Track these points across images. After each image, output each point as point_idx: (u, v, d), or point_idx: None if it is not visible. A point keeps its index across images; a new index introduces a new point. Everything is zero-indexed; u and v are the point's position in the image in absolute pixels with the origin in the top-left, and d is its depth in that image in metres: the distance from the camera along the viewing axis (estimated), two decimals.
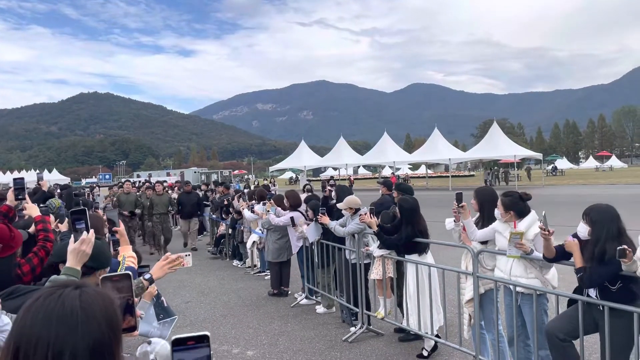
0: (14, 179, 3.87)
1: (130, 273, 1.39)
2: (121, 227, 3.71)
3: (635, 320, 3.45)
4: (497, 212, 4.54)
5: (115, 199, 13.85)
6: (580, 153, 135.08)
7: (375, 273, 6.29)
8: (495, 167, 45.79)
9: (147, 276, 2.67)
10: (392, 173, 40.22)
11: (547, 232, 3.88)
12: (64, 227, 4.38)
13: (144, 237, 14.19)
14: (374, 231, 5.95)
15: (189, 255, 2.94)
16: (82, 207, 2.30)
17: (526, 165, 47.90)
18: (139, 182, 23.48)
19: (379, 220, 6.03)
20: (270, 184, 29.40)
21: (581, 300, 3.80)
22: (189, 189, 14.75)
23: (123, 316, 1.33)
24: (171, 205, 13.81)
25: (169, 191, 16.74)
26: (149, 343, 1.49)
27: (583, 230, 3.77)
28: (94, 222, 3.54)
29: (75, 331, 1.07)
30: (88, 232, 2.23)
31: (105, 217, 4.21)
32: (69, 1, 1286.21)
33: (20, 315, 1.11)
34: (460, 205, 4.83)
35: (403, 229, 5.62)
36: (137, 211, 13.52)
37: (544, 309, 4.33)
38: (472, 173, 64.41)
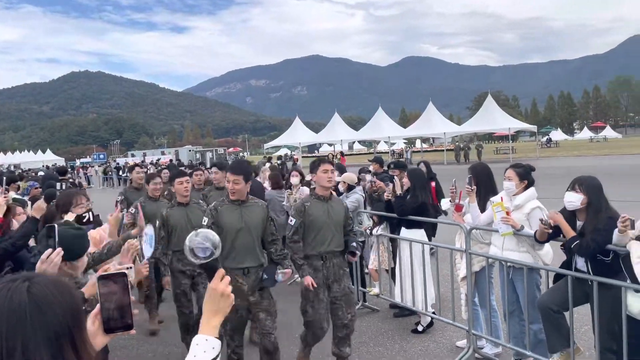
0: None
1: (125, 272, 1.38)
2: (115, 214, 3.54)
3: (623, 293, 3.50)
4: (510, 183, 4.44)
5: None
6: (575, 124, 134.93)
7: (371, 264, 6.34)
8: (462, 143, 44.09)
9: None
10: (341, 153, 36.43)
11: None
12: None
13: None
14: (398, 194, 5.75)
15: (132, 267, 2.61)
16: (52, 224, 2.31)
17: (476, 143, 44.64)
18: (156, 161, 9.10)
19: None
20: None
21: (570, 275, 3.86)
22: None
23: (121, 317, 1.35)
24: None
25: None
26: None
27: (575, 199, 3.76)
28: (65, 200, 3.51)
29: (23, 323, 1.08)
30: (54, 249, 2.20)
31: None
32: None
33: None
34: (472, 188, 4.83)
35: (418, 193, 5.62)
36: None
37: (537, 284, 4.38)
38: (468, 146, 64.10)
